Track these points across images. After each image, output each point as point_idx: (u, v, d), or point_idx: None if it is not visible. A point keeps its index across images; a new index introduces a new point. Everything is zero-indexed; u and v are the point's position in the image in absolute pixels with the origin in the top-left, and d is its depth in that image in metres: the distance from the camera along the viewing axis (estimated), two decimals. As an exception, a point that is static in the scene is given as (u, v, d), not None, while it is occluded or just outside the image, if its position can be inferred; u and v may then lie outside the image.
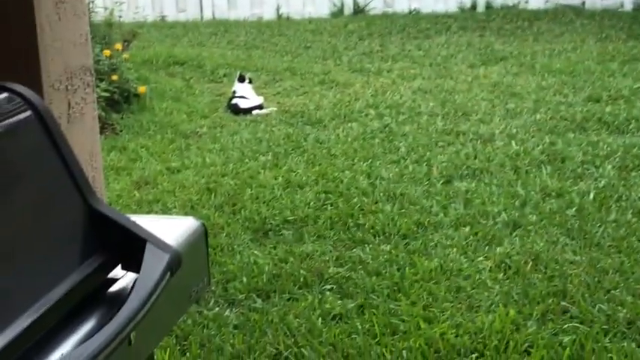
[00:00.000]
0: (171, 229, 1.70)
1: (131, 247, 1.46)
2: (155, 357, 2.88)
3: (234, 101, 7.18)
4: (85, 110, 2.25)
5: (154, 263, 1.42)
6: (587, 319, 3.26)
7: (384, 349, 3.11)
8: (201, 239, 1.79)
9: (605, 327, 3.20)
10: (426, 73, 8.31)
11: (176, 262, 1.50)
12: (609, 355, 3.00)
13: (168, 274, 1.45)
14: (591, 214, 4.30)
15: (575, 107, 6.48)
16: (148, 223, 1.58)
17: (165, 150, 5.99)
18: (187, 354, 3.14)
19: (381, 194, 4.77)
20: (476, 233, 4.17)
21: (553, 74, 7.79)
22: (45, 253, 1.35)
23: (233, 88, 7.37)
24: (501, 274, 3.71)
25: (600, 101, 6.63)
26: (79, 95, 2.22)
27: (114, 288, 1.48)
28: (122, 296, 1.39)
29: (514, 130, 5.95)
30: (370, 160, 5.43)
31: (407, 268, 3.79)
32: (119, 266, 1.52)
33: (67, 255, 1.40)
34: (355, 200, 4.67)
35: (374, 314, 3.39)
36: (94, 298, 1.43)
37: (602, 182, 4.76)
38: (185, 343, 3.23)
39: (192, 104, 7.46)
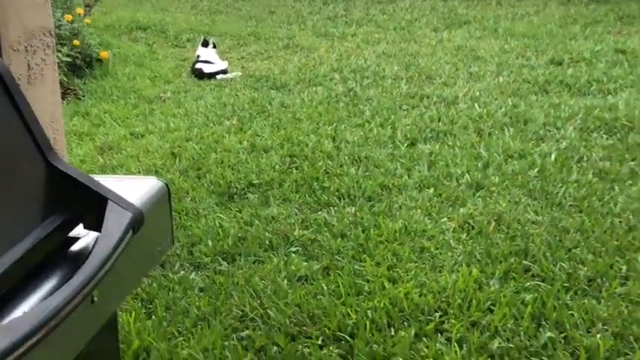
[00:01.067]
0: (133, 188, 1.70)
1: (92, 206, 1.46)
2: (119, 319, 2.89)
3: (198, 66, 7.14)
4: (45, 72, 2.23)
5: (115, 221, 1.42)
6: (549, 277, 3.31)
7: (349, 309, 3.13)
8: (164, 199, 1.79)
9: (566, 285, 3.25)
10: (390, 37, 8.31)
11: (138, 220, 1.50)
12: (570, 312, 3.05)
13: (130, 232, 1.45)
14: (553, 174, 4.35)
15: (537, 70, 6.54)
16: (111, 182, 1.58)
17: (128, 115, 5.95)
18: (153, 317, 3.15)
19: (346, 157, 4.78)
20: (440, 194, 4.20)
21: (516, 38, 7.83)
22: (5, 211, 1.34)
23: (197, 53, 7.32)
24: (465, 235, 3.74)
25: (562, 64, 6.69)
26: (39, 56, 2.20)
27: (76, 246, 1.48)
28: (84, 254, 1.39)
29: (477, 93, 5.98)
30: (335, 124, 5.43)
31: (371, 230, 3.81)
32: (81, 225, 1.52)
33: (28, 213, 1.40)
34: (320, 163, 4.67)
35: (339, 275, 3.41)
36: (56, 256, 1.43)
37: (564, 143, 4.81)
38: (150, 306, 3.24)
39: (156, 69, 7.41)
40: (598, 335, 2.89)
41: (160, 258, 1.79)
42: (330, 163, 4.68)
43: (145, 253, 1.68)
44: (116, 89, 6.65)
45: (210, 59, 7.16)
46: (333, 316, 3.08)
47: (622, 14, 8.66)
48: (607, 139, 4.86)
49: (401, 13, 9.50)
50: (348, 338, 2.96)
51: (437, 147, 4.90)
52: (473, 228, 3.80)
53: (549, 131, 5.06)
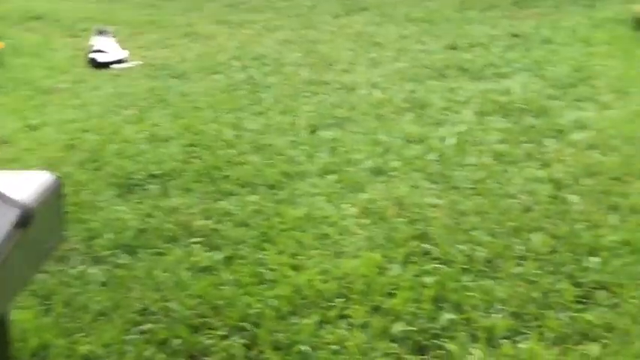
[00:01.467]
0: (22, 183, 1.65)
1: (-23, 204, 1.42)
2: (14, 317, 2.81)
3: (91, 55, 6.98)
4: None
5: (0, 219, 1.38)
6: (448, 259, 3.36)
7: (252, 299, 3.12)
8: (56, 193, 1.74)
9: (465, 266, 3.30)
10: (290, 24, 8.30)
11: (27, 217, 1.46)
12: (470, 293, 3.10)
13: (18, 229, 1.41)
14: (451, 158, 4.42)
15: (435, 55, 6.62)
16: (-2, 178, 1.53)
17: (23, 107, 5.79)
18: (51, 313, 3.08)
19: (248, 145, 4.76)
20: (341, 181, 4.22)
21: (414, 23, 7.92)
22: None
23: (90, 42, 7.16)
24: (366, 220, 3.77)
25: (459, 48, 6.79)
26: None
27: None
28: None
29: (377, 79, 6.03)
30: (236, 112, 5.40)
31: (274, 218, 3.81)
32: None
33: None
34: (221, 152, 4.65)
35: (242, 265, 3.40)
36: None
37: (462, 127, 4.88)
38: (49, 302, 3.16)
39: (52, 59, 7.23)
40: (497, 315, 2.95)
41: (52, 253, 1.75)
42: (232, 151, 4.66)
43: (35, 249, 1.64)
44: (9, 81, 6.46)
45: (104, 48, 7.01)
46: (236, 306, 3.07)
47: (517, -1, 8.83)
48: (503, 122, 4.95)
49: (301, 0, 9.49)
50: (251, 328, 2.95)
51: (338, 133, 4.92)
52: (374, 213, 3.83)
53: (447, 115, 5.13)
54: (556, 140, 4.59)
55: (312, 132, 4.99)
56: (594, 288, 3.09)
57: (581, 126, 4.76)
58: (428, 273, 3.26)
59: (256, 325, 2.97)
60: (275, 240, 3.61)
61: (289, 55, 6.89)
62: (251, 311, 3.04)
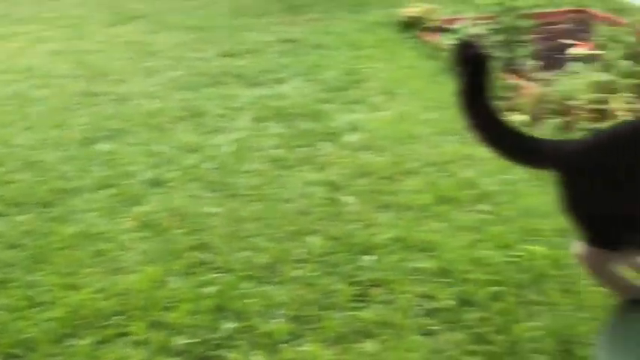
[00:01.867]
0: None
1: None
2: None
3: None
4: None
5: None
6: (229, 268, 3.35)
7: (25, 323, 2.99)
8: None
9: (246, 273, 3.30)
10: (60, 35, 8.02)
11: None
12: (250, 300, 3.11)
13: None
14: (229, 165, 4.41)
15: (211, 62, 6.62)
16: None
17: None
18: None
19: (17, 163, 4.58)
20: (118, 194, 4.12)
21: (190, 31, 7.87)
22: None
23: None
24: (144, 233, 3.69)
25: (234, 55, 6.81)
26: None
27: None
28: None
29: (152, 89, 5.94)
30: (3, 128, 5.18)
31: (47, 237, 3.68)
32: None
33: None
34: (-12, 171, 4.44)
35: (13, 288, 3.25)
36: None
37: (239, 134, 4.89)
38: None
39: None
40: (277, 320, 2.97)
41: None
42: (-1, 170, 4.46)
43: None
44: None
45: None
46: (7, 332, 2.94)
47: (290, 5, 8.96)
48: (279, 127, 5.01)
49: (70, 10, 9.20)
50: (25, 353, 2.83)
51: (113, 146, 4.81)
52: (152, 226, 3.76)
53: (224, 123, 5.13)
54: (330, 143, 4.69)
55: (87, 145, 4.85)
56: (370, 285, 3.18)
57: (353, 128, 4.88)
58: (208, 283, 3.24)
59: (30, 349, 2.85)
60: (49, 260, 3.48)
61: (60, 67, 6.67)
62: (24, 336, 2.91)
